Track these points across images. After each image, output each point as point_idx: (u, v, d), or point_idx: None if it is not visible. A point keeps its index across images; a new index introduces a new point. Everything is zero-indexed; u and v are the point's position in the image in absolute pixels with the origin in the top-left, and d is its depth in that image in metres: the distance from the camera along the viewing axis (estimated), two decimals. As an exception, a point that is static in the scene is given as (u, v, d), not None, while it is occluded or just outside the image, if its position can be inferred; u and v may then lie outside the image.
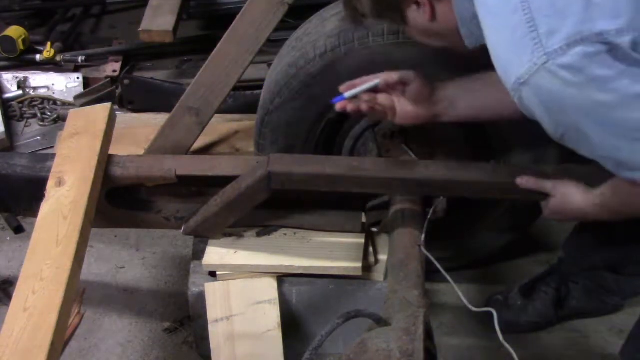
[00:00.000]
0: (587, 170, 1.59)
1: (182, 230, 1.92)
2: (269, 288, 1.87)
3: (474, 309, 1.56)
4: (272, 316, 1.86)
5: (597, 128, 1.27)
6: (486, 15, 1.33)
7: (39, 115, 3.13)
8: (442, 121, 1.71)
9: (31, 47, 3.34)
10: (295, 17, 2.59)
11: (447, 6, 1.45)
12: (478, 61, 1.48)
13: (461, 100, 1.69)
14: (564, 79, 1.22)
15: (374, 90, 1.65)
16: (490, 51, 1.34)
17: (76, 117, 1.95)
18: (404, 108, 1.67)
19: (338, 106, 1.63)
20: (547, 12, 1.23)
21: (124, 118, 2.75)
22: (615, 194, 1.48)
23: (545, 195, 1.64)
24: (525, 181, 1.66)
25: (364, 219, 1.92)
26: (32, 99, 3.20)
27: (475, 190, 1.74)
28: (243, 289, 1.87)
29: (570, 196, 1.59)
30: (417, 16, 1.48)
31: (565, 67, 1.21)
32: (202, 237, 1.94)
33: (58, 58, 3.28)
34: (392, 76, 1.64)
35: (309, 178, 1.75)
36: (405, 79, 1.63)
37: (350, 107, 1.64)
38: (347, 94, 1.62)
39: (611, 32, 1.19)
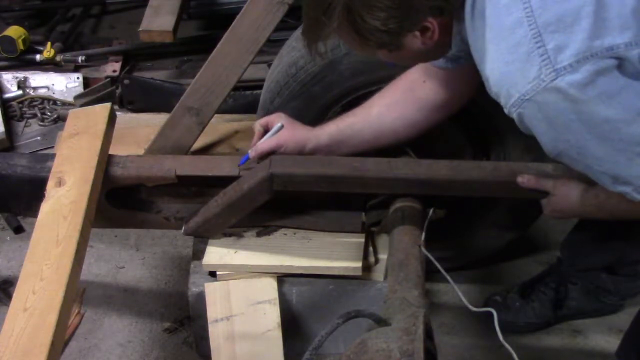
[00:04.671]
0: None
1: (182, 231, 1.91)
2: (269, 288, 1.87)
3: (473, 309, 1.56)
4: (272, 316, 1.86)
5: (599, 143, 1.26)
6: (483, 26, 1.31)
7: (39, 115, 3.13)
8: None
9: (31, 47, 3.34)
10: (295, 17, 2.59)
11: (443, 28, 1.40)
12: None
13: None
14: (572, 96, 1.21)
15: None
16: (485, 65, 1.32)
17: (76, 117, 1.95)
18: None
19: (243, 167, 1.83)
20: (555, 28, 1.20)
21: (124, 118, 2.75)
22: (609, 197, 1.47)
23: (546, 194, 1.64)
24: (526, 180, 1.66)
25: (364, 219, 1.92)
26: (32, 99, 3.20)
27: (476, 189, 1.74)
28: (243, 289, 1.87)
29: (570, 195, 1.59)
30: (414, 42, 1.41)
31: (574, 84, 1.20)
32: (202, 238, 1.94)
33: (58, 58, 3.28)
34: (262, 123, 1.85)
35: (311, 179, 1.75)
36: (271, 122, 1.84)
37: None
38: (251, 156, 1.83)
39: (620, 46, 1.19)
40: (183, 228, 1.91)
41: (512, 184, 1.69)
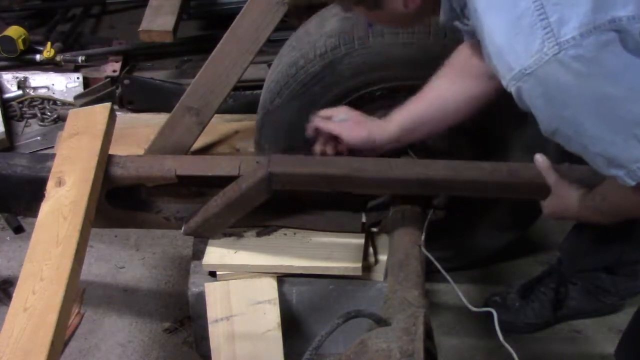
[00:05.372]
0: (588, 169, 1.59)
1: (182, 231, 1.91)
2: (269, 288, 1.87)
3: (474, 309, 1.56)
4: (272, 316, 1.86)
5: (597, 122, 1.24)
6: None
7: (39, 115, 3.14)
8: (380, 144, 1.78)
9: (31, 47, 3.34)
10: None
11: None
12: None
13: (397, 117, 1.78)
14: (574, 70, 1.18)
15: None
16: (484, 36, 1.30)
17: (76, 117, 1.95)
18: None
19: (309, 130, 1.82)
20: (557, 0, 1.18)
21: (124, 118, 2.75)
22: (605, 199, 1.47)
23: (545, 194, 1.64)
24: (541, 160, 1.63)
25: (364, 219, 1.92)
26: (32, 99, 3.20)
27: (476, 189, 1.74)
28: (243, 289, 1.87)
29: (567, 199, 1.59)
30: (395, 3, 1.41)
31: (577, 57, 1.17)
32: (202, 238, 1.94)
33: (58, 58, 3.28)
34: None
35: (310, 178, 1.75)
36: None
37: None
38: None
39: (623, 19, 1.17)
40: (183, 228, 1.91)
41: (512, 184, 1.69)
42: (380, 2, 1.40)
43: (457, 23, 1.53)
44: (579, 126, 1.26)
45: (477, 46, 1.59)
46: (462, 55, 1.71)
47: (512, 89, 1.27)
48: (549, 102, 1.25)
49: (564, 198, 1.60)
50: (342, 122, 1.79)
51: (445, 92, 1.73)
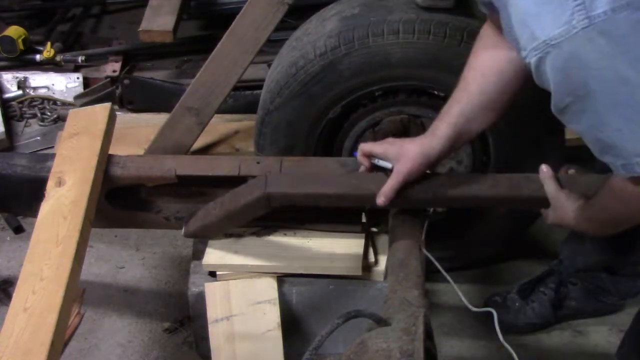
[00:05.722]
0: (591, 180, 1.58)
1: (182, 232, 1.91)
2: (269, 288, 1.87)
3: (474, 309, 1.56)
4: (272, 316, 1.86)
5: (610, 105, 1.20)
6: None
7: (39, 115, 3.13)
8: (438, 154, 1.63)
9: (31, 47, 3.33)
10: (295, 17, 2.59)
11: None
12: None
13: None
14: (599, 47, 1.14)
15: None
16: (507, 4, 1.26)
17: (76, 117, 1.95)
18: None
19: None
20: None
21: (124, 118, 2.75)
22: (599, 207, 1.45)
23: (547, 204, 1.62)
24: (545, 170, 1.61)
25: (364, 219, 1.92)
26: (32, 99, 3.20)
27: (479, 203, 1.72)
28: (243, 289, 1.87)
29: (564, 209, 1.56)
30: None
31: (605, 33, 1.13)
32: (203, 238, 1.93)
33: (58, 58, 3.28)
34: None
35: (309, 198, 1.71)
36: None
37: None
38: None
39: None
40: (183, 230, 1.91)
41: (514, 197, 1.67)
42: None
43: None
44: (590, 106, 1.22)
45: (495, 24, 1.53)
46: (487, 34, 1.61)
47: (532, 59, 1.23)
48: (567, 77, 1.21)
49: (561, 209, 1.57)
50: (394, 170, 1.63)
51: (483, 82, 1.58)
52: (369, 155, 1.68)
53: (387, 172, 1.65)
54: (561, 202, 1.57)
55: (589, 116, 1.24)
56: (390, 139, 1.71)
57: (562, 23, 1.16)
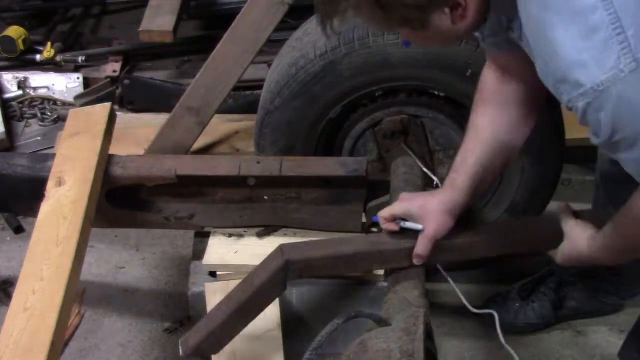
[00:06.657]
0: (604, 215, 1.53)
1: (180, 353, 1.67)
2: (269, 288, 1.87)
3: (474, 310, 1.56)
4: (272, 316, 1.85)
5: None
6: (544, 9, 1.19)
7: (39, 115, 3.13)
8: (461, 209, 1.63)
9: (31, 47, 3.34)
10: (295, 17, 2.59)
11: (476, 5, 1.28)
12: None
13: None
14: None
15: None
16: (545, 51, 1.22)
17: (76, 117, 1.95)
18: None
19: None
20: (634, 11, 1.11)
21: (124, 118, 2.75)
22: (616, 232, 1.42)
23: (556, 243, 1.60)
24: (564, 205, 1.62)
25: (364, 219, 1.92)
26: (32, 99, 3.20)
27: (495, 250, 1.72)
28: (243, 289, 1.86)
29: (578, 241, 1.54)
30: (442, 20, 1.26)
31: None
32: (205, 356, 1.72)
33: (58, 58, 3.28)
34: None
35: (329, 260, 1.66)
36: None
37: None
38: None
39: None
40: (181, 349, 1.66)
41: (528, 243, 1.73)
42: (426, 21, 1.25)
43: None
44: (636, 140, 1.19)
45: (501, 67, 1.56)
46: (489, 83, 1.60)
47: (578, 105, 1.19)
48: (616, 118, 1.18)
49: (575, 241, 1.55)
50: (422, 232, 1.62)
51: (496, 128, 1.59)
52: (391, 219, 1.64)
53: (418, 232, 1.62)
54: (576, 234, 1.55)
55: (632, 150, 1.21)
56: (405, 195, 1.68)
57: (608, 68, 1.13)
